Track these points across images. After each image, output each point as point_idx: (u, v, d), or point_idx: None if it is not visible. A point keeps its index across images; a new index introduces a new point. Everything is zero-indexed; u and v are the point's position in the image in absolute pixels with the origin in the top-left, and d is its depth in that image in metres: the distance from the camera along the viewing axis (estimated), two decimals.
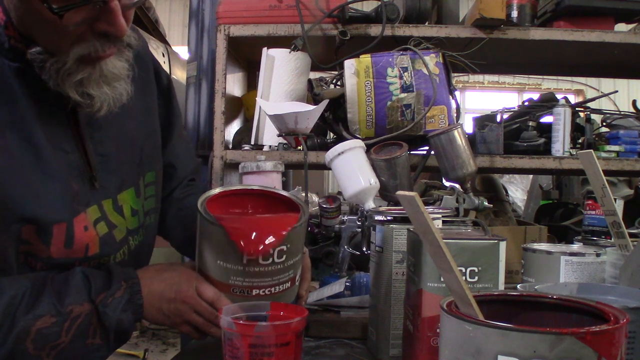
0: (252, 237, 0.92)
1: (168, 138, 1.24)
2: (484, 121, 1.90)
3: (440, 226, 1.13)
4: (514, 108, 2.05)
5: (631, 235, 1.04)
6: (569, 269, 1.11)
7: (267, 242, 0.92)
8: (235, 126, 2.06)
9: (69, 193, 0.94)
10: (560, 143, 1.74)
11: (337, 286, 1.35)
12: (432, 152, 1.61)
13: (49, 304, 0.88)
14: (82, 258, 0.97)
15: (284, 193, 1.06)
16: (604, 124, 2.01)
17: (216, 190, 1.03)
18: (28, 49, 0.87)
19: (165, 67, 4.08)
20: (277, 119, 1.59)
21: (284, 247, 0.94)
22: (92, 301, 0.91)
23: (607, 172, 1.40)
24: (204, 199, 0.99)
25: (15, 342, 0.85)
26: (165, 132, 1.24)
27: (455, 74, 1.72)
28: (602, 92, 6.80)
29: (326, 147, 1.66)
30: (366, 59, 1.65)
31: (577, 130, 1.86)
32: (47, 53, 0.87)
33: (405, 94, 1.63)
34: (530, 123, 1.86)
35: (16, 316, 0.86)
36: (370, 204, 1.35)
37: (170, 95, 1.25)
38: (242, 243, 0.92)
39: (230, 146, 1.94)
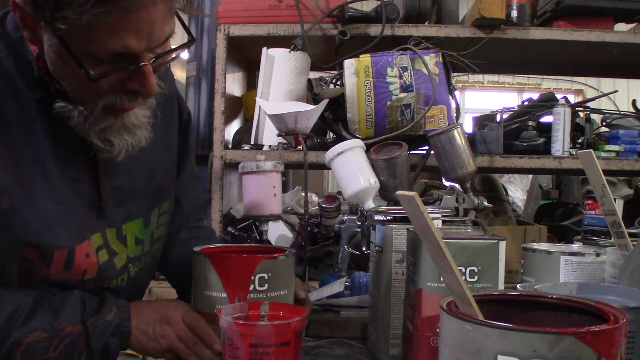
0: (232, 259, 1.00)
1: (179, 172, 1.25)
2: (484, 121, 1.90)
3: (440, 226, 1.13)
4: (514, 108, 2.05)
5: (631, 235, 1.04)
6: (569, 269, 1.11)
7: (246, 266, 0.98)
8: (235, 126, 2.06)
9: (75, 220, 0.97)
10: (560, 143, 1.74)
11: (337, 286, 1.35)
12: (432, 152, 1.61)
13: (44, 320, 0.91)
14: (78, 281, 1.00)
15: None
16: (604, 124, 2.01)
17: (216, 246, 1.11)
18: (55, 96, 0.90)
19: None
20: (277, 119, 1.59)
21: (265, 276, 0.97)
22: (84, 323, 0.94)
23: (607, 172, 1.40)
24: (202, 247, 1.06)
25: (7, 352, 0.89)
26: (177, 166, 1.25)
27: (455, 74, 1.73)
28: (602, 92, 6.79)
29: (326, 147, 1.66)
30: (366, 59, 1.65)
31: (577, 130, 1.86)
32: (72, 103, 0.89)
33: (405, 94, 1.63)
34: (530, 123, 1.86)
35: (13, 329, 0.89)
36: (370, 204, 1.35)
37: (188, 132, 1.26)
38: (222, 265, 0.97)
39: (230, 146, 1.94)
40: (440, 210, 1.18)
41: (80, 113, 0.89)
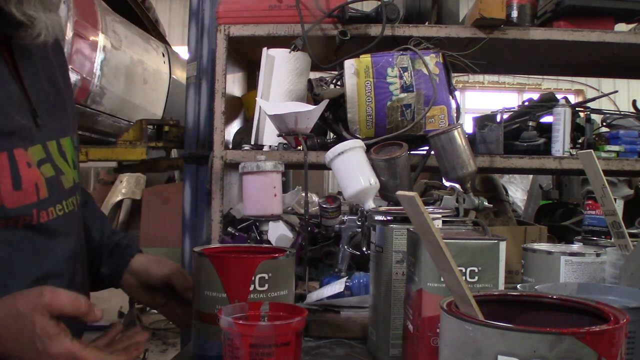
0: (232, 260, 1.00)
1: None
2: (484, 121, 1.90)
3: (440, 226, 1.13)
4: (514, 108, 2.05)
5: (631, 235, 1.04)
6: (569, 269, 1.11)
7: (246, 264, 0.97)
8: (235, 126, 2.06)
9: (7, 125, 0.91)
10: (560, 143, 1.74)
11: (337, 286, 1.34)
12: (432, 152, 1.61)
13: None
14: (36, 204, 0.93)
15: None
16: (604, 124, 2.01)
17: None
18: None
19: (165, 67, 4.08)
20: (277, 119, 1.59)
21: (265, 276, 0.97)
22: None
23: (607, 172, 1.40)
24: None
25: None
26: None
27: (455, 74, 1.72)
28: (602, 92, 6.80)
29: (326, 147, 1.66)
30: (366, 59, 1.65)
31: (577, 130, 1.86)
32: None
33: (405, 94, 1.63)
34: (530, 123, 1.86)
35: None
36: (370, 204, 1.35)
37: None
38: (222, 265, 0.97)
39: (230, 146, 1.94)
40: (440, 210, 1.18)
41: None
